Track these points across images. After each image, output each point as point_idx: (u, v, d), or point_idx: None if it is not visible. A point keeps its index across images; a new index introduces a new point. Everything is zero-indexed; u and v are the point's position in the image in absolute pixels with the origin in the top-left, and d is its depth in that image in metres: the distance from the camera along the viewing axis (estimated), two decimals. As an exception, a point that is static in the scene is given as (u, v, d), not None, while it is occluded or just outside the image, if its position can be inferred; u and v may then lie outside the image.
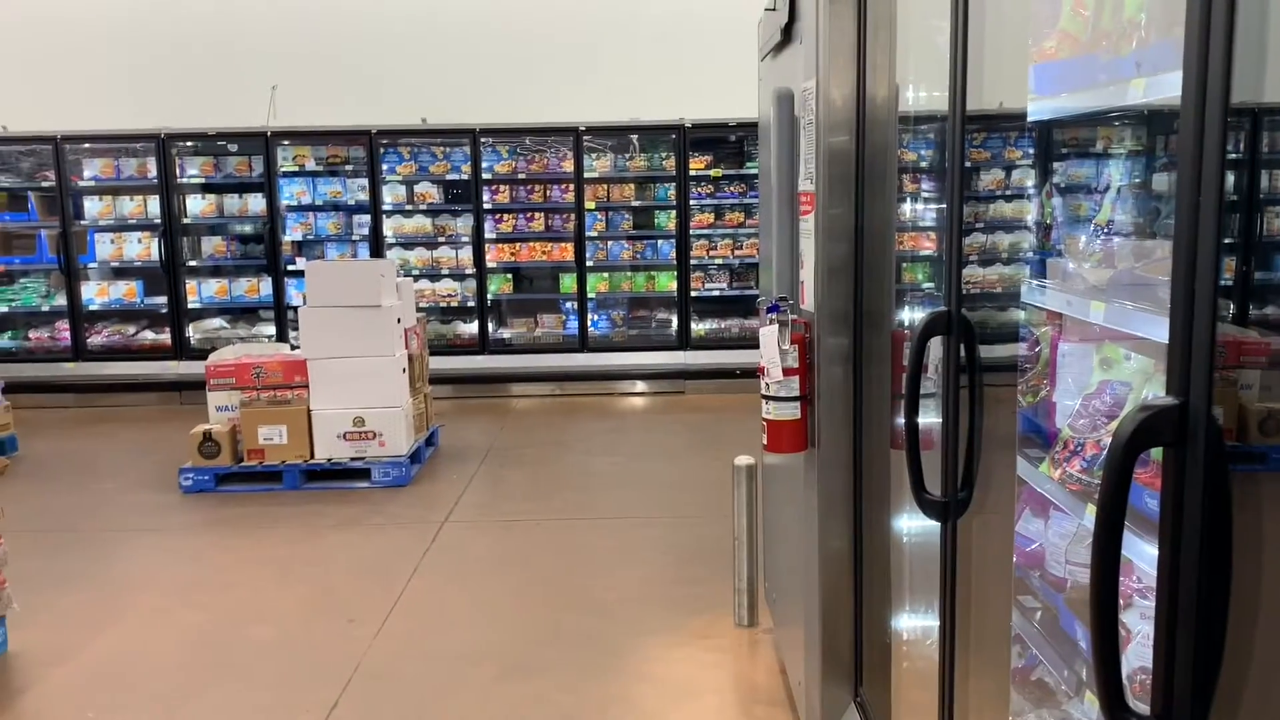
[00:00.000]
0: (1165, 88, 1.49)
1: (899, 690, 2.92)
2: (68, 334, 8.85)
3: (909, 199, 2.96)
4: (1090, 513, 1.78)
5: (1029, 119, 2.00)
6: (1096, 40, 1.81)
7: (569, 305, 9.03)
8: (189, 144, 8.86)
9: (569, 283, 8.94)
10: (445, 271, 8.95)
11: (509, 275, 9.11)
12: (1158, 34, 1.60)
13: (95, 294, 8.87)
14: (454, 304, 8.99)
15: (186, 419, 6.93)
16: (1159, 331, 1.53)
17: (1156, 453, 1.60)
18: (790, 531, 3.46)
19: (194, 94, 9.02)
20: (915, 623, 2.82)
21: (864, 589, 3.02)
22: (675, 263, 8.89)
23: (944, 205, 2.31)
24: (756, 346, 3.22)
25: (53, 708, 3.73)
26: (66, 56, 9.12)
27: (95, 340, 8.90)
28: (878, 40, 2.73)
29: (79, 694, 3.80)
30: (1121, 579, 1.78)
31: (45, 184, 8.80)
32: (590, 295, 8.93)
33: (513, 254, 8.95)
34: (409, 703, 3.69)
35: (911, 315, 2.77)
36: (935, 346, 2.34)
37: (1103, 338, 2.01)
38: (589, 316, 8.94)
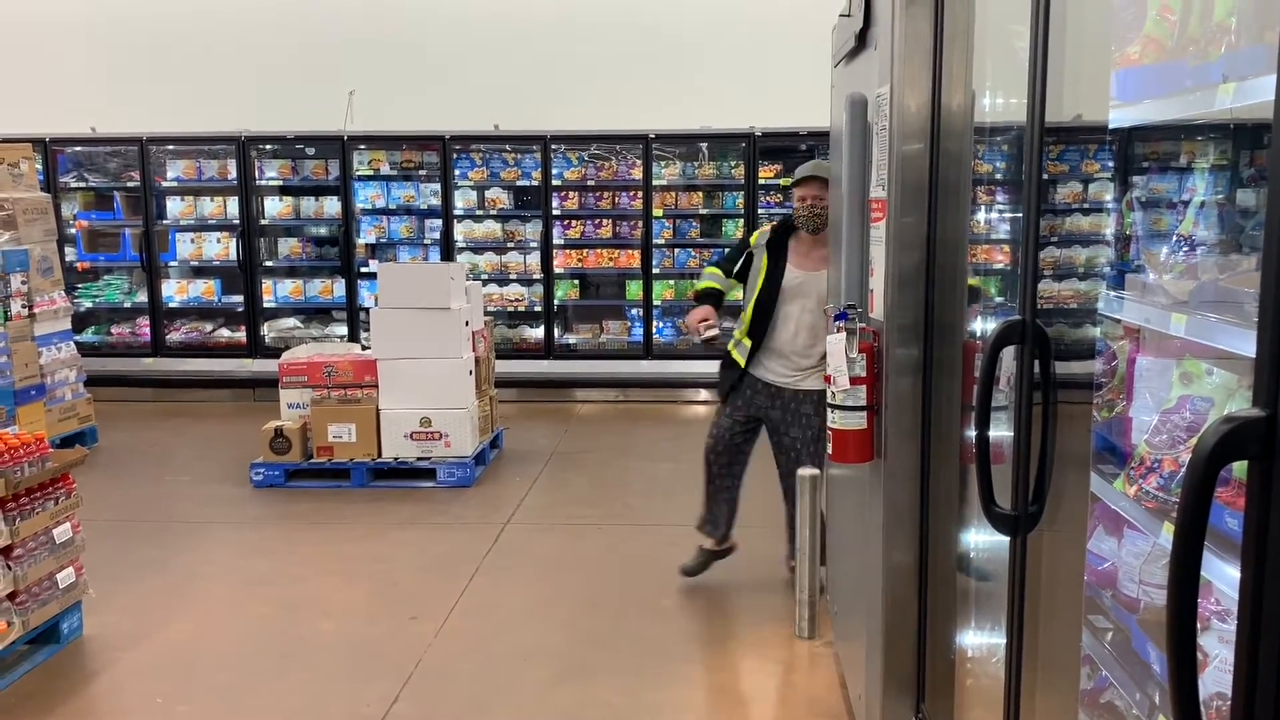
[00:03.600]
0: (1256, 93, 1.45)
1: (962, 708, 2.87)
2: (148, 330, 9.10)
3: (983, 209, 2.91)
4: (1167, 531, 1.73)
5: (1110, 126, 1.95)
6: (1183, 45, 1.76)
7: (634, 312, 9.04)
8: (268, 147, 9.07)
9: (635, 289, 8.95)
10: (513, 276, 9.03)
11: (576, 281, 9.15)
12: (1249, 39, 1.55)
13: (175, 292, 9.11)
14: (521, 309, 9.06)
15: (259, 415, 7.07)
16: (1244, 345, 1.48)
17: (1239, 470, 1.55)
18: (854, 543, 3.42)
19: (273, 98, 9.23)
20: (981, 639, 2.76)
21: (928, 603, 2.97)
22: (742, 271, 8.84)
23: (1019, 214, 2.27)
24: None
25: (124, 691, 3.83)
26: (152, 60, 9.40)
27: (174, 337, 9.14)
28: (954, 47, 2.69)
29: (149, 679, 3.89)
30: (1199, 600, 1.73)
31: (130, 184, 9.07)
32: (656, 302, 8.94)
33: (580, 260, 9.00)
34: (468, 700, 3.72)
35: (984, 327, 2.72)
36: (1008, 358, 2.30)
37: (1183, 352, 1.95)
38: (654, 324, 8.94)
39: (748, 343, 4.52)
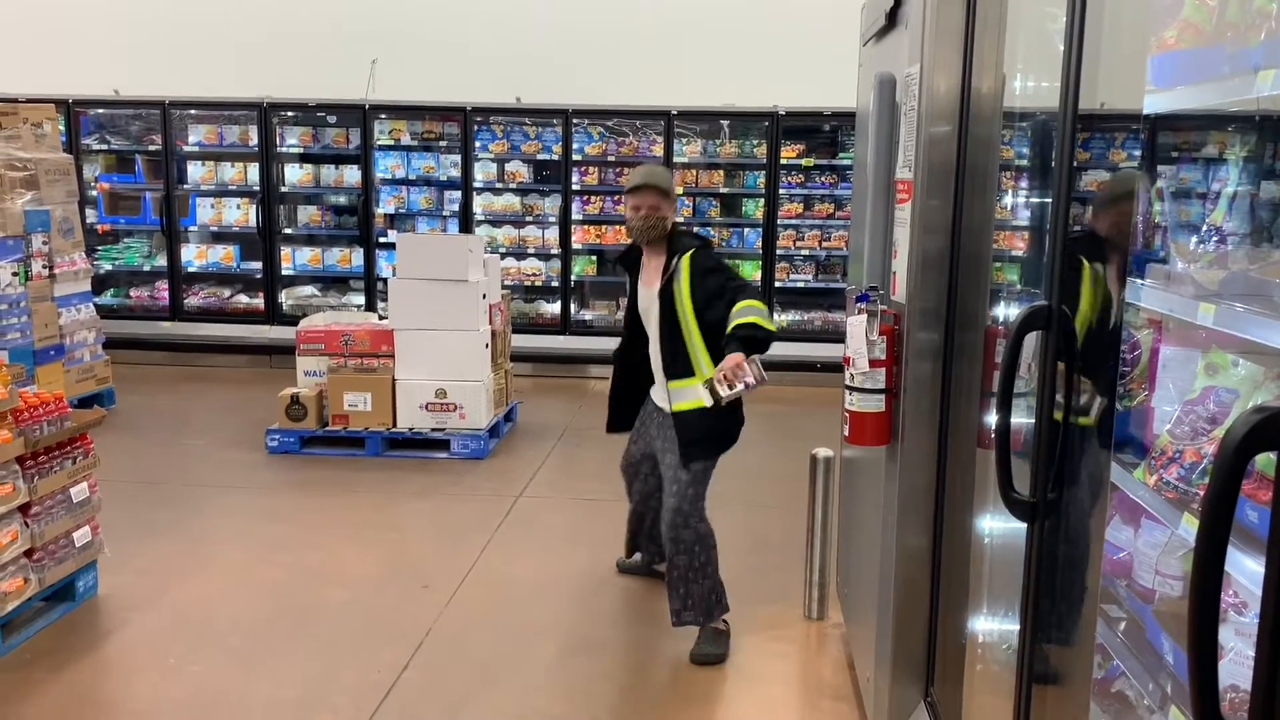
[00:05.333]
0: (1297, 80, 1.43)
1: (971, 693, 2.87)
2: (166, 294, 9.14)
3: (1009, 194, 2.88)
4: (1187, 522, 1.72)
5: (1144, 112, 1.93)
6: (1221, 31, 1.74)
7: (652, 290, 9.00)
8: (289, 114, 9.06)
9: (653, 267, 8.92)
10: (531, 250, 9.02)
11: (593, 257, 9.14)
12: (1290, 25, 1.53)
13: (194, 256, 9.13)
14: (538, 283, 9.06)
15: (275, 382, 7.10)
16: (1274, 336, 1.47)
17: (1262, 463, 1.54)
18: (867, 526, 3.41)
19: (296, 65, 9.20)
20: (992, 625, 2.76)
21: (940, 588, 2.96)
22: (761, 252, 8.82)
23: (1048, 199, 2.25)
24: (840, 340, 3.18)
25: (138, 649, 3.87)
26: (176, 25, 9.39)
27: (192, 301, 9.17)
28: (986, 28, 2.66)
29: (162, 639, 3.93)
30: (1216, 592, 1.72)
31: (152, 148, 9.08)
32: (674, 281, 8.90)
33: (598, 236, 8.98)
34: (477, 670, 3.74)
35: (1007, 312, 2.70)
36: (1029, 344, 2.28)
37: (1209, 342, 1.93)
38: (671, 302, 8.91)
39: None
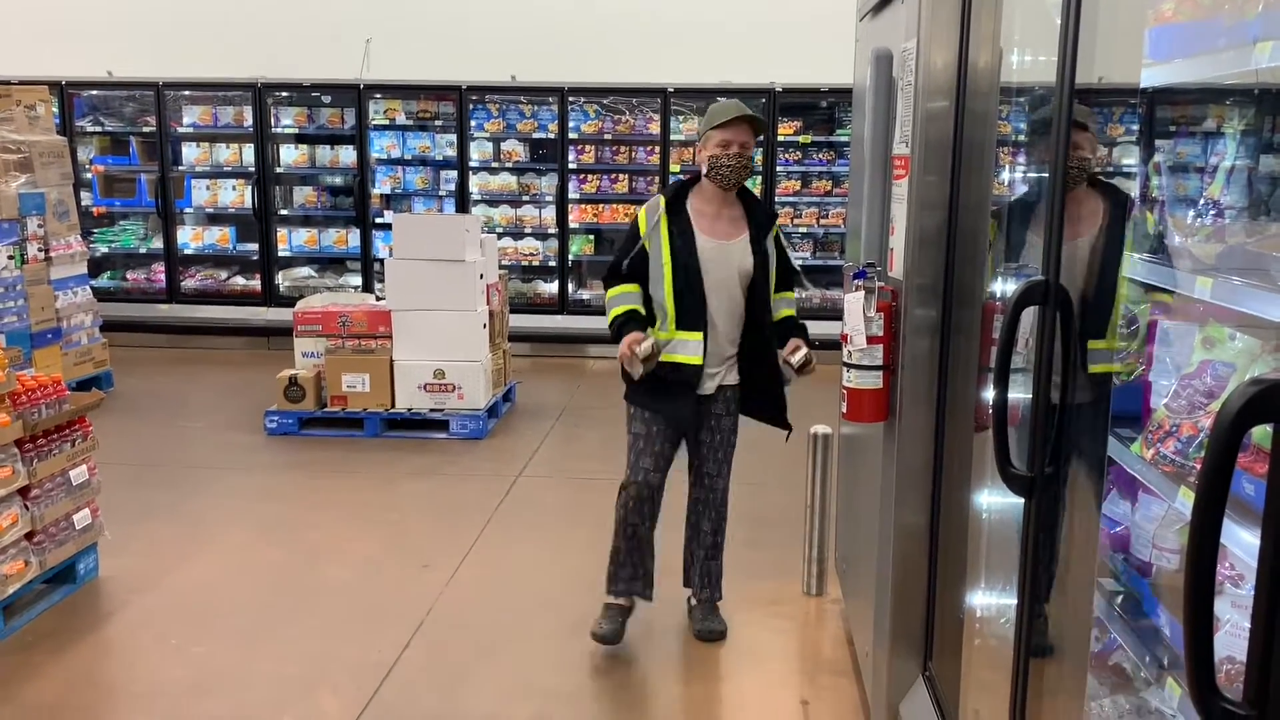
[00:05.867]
0: (1295, 52, 1.42)
1: (969, 667, 2.88)
2: (163, 276, 9.12)
3: (1006, 169, 2.87)
4: (1184, 495, 1.73)
5: (1141, 85, 1.92)
6: (1219, 3, 1.73)
7: (649, 268, 8.99)
8: (284, 94, 9.02)
9: (650, 246, 8.90)
10: (528, 230, 9.00)
11: (590, 236, 9.11)
12: (1288, -3, 1.52)
13: (190, 238, 9.11)
14: (535, 263, 9.04)
15: (273, 363, 7.09)
16: (1271, 309, 1.47)
17: (1258, 436, 1.54)
18: (865, 502, 3.42)
19: (290, 45, 9.14)
20: (990, 600, 2.77)
21: (938, 563, 2.97)
22: (758, 230, 8.79)
23: (1044, 174, 2.24)
24: (837, 318, 3.18)
25: (139, 631, 3.88)
26: (169, 5, 9.31)
27: (189, 283, 9.15)
28: (983, 3, 2.64)
29: (163, 621, 3.94)
30: (1213, 565, 1.73)
31: (146, 129, 9.04)
32: (671, 259, 8.88)
33: (595, 215, 8.95)
34: (478, 648, 3.76)
35: (1004, 288, 2.70)
36: (1027, 319, 2.28)
37: (1206, 316, 1.94)
38: (669, 280, 8.90)
39: (694, 337, 3.65)
